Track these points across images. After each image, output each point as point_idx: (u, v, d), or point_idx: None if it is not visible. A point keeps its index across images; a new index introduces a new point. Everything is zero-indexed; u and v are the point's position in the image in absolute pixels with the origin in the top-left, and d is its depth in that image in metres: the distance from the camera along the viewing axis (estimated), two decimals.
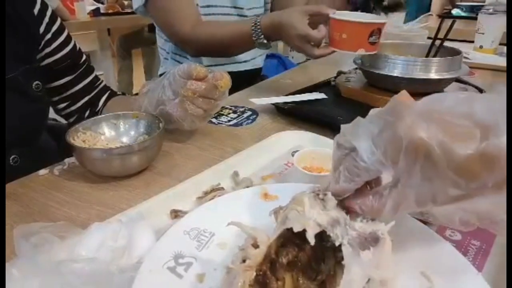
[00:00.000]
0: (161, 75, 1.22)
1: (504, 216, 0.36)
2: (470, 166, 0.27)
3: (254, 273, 0.30)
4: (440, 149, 0.27)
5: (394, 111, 0.31)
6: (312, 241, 0.31)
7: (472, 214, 0.39)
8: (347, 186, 0.34)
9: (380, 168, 0.32)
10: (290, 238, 0.34)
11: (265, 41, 0.90)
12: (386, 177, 0.33)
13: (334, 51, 0.83)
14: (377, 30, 0.78)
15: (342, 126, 0.35)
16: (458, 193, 0.28)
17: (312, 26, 0.82)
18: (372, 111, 0.35)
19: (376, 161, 0.31)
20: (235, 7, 1.16)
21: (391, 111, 0.31)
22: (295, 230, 0.32)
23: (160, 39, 1.24)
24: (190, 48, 1.07)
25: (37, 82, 0.70)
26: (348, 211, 0.35)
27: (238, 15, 1.17)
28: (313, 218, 0.33)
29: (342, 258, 0.31)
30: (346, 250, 0.31)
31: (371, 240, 0.32)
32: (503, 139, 0.26)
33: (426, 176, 0.29)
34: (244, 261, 0.31)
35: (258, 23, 0.89)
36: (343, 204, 0.36)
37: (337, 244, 0.31)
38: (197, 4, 1.08)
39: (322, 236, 0.33)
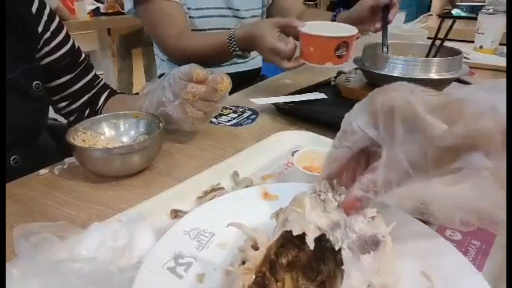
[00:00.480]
0: (160, 76, 1.22)
1: (504, 216, 0.37)
2: (446, 105, 0.29)
3: (254, 276, 0.30)
4: (414, 98, 0.30)
5: (380, 89, 0.34)
6: (311, 245, 0.31)
7: (472, 214, 0.39)
8: (338, 153, 0.36)
9: (367, 132, 0.33)
10: (290, 239, 0.34)
11: (240, 53, 0.94)
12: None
13: (304, 63, 0.84)
14: (343, 44, 0.79)
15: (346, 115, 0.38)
16: (445, 142, 0.28)
17: (285, 37, 0.85)
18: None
19: (362, 123, 0.33)
20: (230, 8, 1.16)
21: (378, 90, 0.34)
22: (295, 233, 0.32)
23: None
24: (174, 57, 1.12)
25: (37, 81, 0.69)
26: (345, 209, 0.35)
27: (234, 16, 1.17)
28: (313, 221, 0.33)
29: (342, 261, 0.31)
30: (346, 255, 0.31)
31: (372, 244, 0.32)
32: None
33: (408, 131, 0.30)
34: (243, 262, 0.31)
35: (232, 36, 0.92)
36: (340, 192, 0.37)
37: (336, 248, 0.31)
38: (189, 8, 1.09)
39: (322, 236, 0.33)
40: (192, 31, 1.10)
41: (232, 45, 0.92)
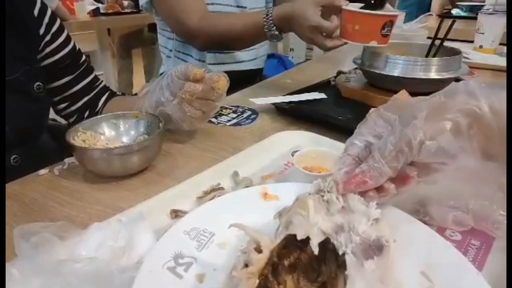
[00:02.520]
0: (161, 74, 1.22)
1: (499, 218, 0.37)
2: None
3: (257, 281, 0.30)
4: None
5: None
6: (316, 250, 0.31)
7: (467, 215, 0.40)
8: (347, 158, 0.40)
9: (368, 136, 0.40)
10: (292, 240, 0.34)
11: (276, 33, 0.90)
12: None
13: (346, 43, 0.83)
14: (389, 22, 0.78)
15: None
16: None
17: (323, 18, 0.82)
18: (372, 110, 0.37)
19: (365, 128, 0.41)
20: (238, 6, 1.15)
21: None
22: (299, 237, 0.32)
23: (162, 38, 1.24)
24: (197, 41, 1.05)
25: (38, 82, 0.70)
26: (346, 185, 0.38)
27: None
28: (317, 225, 0.33)
29: (344, 262, 0.31)
30: (349, 260, 0.31)
31: (375, 248, 0.32)
32: None
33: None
34: (246, 265, 0.31)
35: (270, 15, 0.88)
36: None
37: (340, 253, 0.31)
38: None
39: (325, 239, 0.32)
40: (216, 13, 1.06)
41: (268, 24, 0.89)
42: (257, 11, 0.95)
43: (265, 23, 0.89)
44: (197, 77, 0.60)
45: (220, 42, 1.02)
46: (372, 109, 0.41)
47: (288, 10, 0.86)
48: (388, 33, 0.80)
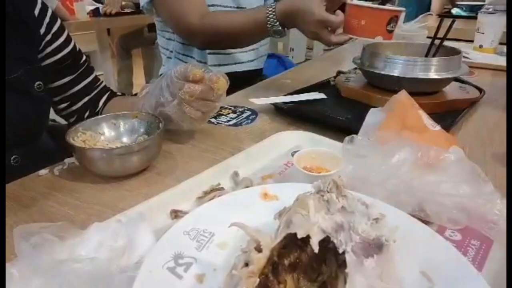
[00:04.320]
0: (161, 75, 1.22)
1: (494, 218, 0.37)
2: None
3: (258, 280, 0.30)
4: None
5: None
6: (316, 248, 0.31)
7: (462, 214, 0.40)
8: None
9: None
10: (292, 240, 0.34)
11: (279, 28, 0.89)
12: None
13: (351, 38, 0.83)
14: (394, 18, 0.80)
15: None
16: None
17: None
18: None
19: None
20: (238, 7, 1.15)
21: None
22: (299, 236, 0.32)
23: (162, 39, 1.23)
24: (198, 40, 1.04)
25: (39, 82, 0.70)
26: None
27: None
28: (317, 224, 0.33)
29: (344, 261, 0.31)
30: (350, 258, 0.31)
31: (375, 247, 0.32)
32: None
33: None
34: (246, 264, 0.31)
35: (273, 10, 0.87)
36: (344, 193, 0.37)
37: (340, 251, 0.31)
38: None
39: (325, 238, 0.32)
40: (218, 11, 1.05)
41: (271, 20, 0.87)
42: (259, 7, 0.94)
43: (268, 19, 0.88)
44: (196, 77, 0.60)
45: (221, 40, 1.01)
46: None
47: (293, 5, 0.85)
48: (393, 29, 0.81)
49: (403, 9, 0.83)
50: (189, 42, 1.12)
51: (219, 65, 1.17)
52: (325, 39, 0.83)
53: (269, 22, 0.88)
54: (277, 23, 0.88)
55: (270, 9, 0.87)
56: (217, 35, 0.97)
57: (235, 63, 1.20)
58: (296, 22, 0.86)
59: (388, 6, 0.82)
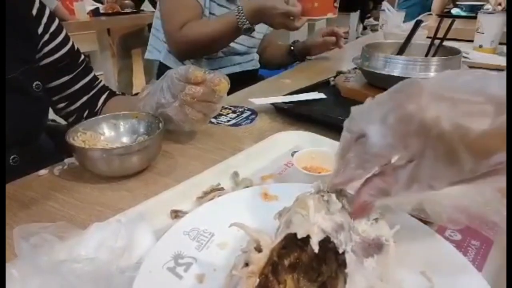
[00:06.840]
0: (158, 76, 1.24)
1: (494, 218, 0.36)
2: (485, 141, 0.26)
3: (257, 280, 0.30)
4: (452, 127, 0.26)
5: (404, 90, 0.29)
6: (316, 248, 0.31)
7: (462, 214, 0.39)
8: (356, 173, 0.32)
9: (391, 153, 0.30)
10: (292, 240, 0.34)
11: (249, 26, 1.02)
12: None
13: (308, 20, 1.03)
14: None
15: (352, 109, 0.34)
16: (473, 174, 0.27)
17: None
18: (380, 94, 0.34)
19: (386, 145, 0.29)
20: None
21: (401, 90, 0.29)
22: (299, 236, 0.32)
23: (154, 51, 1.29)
24: (178, 50, 1.14)
25: (37, 82, 0.70)
26: (355, 214, 0.34)
27: None
28: (317, 224, 0.33)
29: (344, 261, 0.31)
30: (349, 258, 0.31)
31: (375, 247, 0.32)
32: None
33: (439, 156, 0.27)
34: (246, 264, 0.31)
35: (241, 11, 1.00)
36: (344, 193, 0.36)
37: (340, 251, 0.31)
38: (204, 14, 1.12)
39: (325, 238, 0.32)
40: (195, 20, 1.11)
41: (241, 19, 1.00)
42: (228, 12, 1.07)
43: (238, 19, 1.00)
44: (198, 79, 0.60)
45: (199, 47, 1.10)
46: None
47: (259, 4, 1.00)
48: (337, 5, 1.05)
49: None
50: (170, 49, 1.19)
51: (215, 69, 1.19)
52: (291, 27, 1.02)
53: (240, 22, 1.01)
54: (247, 21, 1.01)
55: (238, 10, 1.01)
56: (196, 43, 1.07)
57: (230, 65, 1.24)
58: (263, 18, 1.02)
59: None
